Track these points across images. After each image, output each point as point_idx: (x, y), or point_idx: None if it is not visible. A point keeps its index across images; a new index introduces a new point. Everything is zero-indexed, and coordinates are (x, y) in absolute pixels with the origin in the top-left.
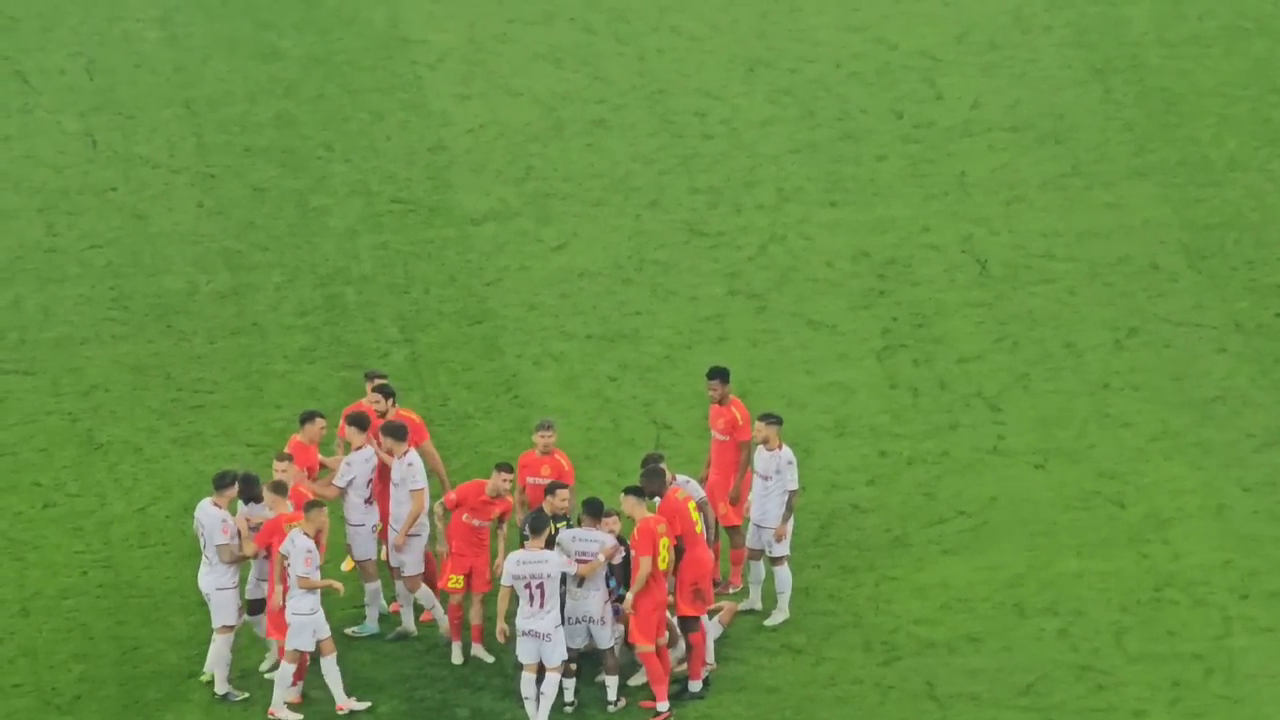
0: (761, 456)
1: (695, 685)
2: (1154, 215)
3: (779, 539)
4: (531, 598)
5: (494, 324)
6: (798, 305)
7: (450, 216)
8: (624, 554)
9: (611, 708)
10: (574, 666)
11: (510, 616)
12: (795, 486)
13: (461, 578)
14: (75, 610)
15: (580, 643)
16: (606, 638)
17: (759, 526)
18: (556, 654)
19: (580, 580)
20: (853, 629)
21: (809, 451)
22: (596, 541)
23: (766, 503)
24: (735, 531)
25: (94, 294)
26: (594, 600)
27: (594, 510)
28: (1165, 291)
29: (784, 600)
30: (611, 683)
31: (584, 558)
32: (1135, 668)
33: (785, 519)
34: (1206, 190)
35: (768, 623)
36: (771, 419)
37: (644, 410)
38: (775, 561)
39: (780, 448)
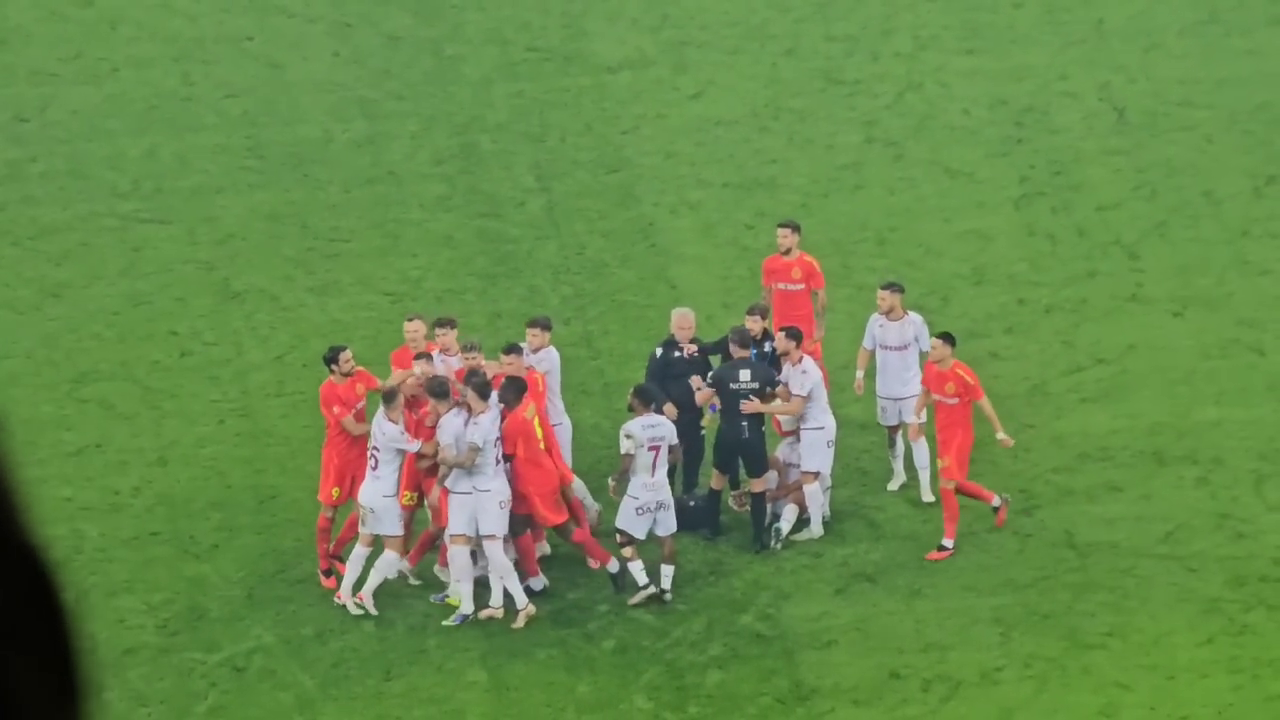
0: (889, 328)
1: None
2: None
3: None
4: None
5: (630, 172)
6: (935, 153)
7: (586, 65)
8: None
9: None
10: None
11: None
12: (928, 346)
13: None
14: (212, 459)
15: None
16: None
17: (896, 400)
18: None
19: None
20: (991, 477)
21: (946, 299)
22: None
23: (905, 373)
24: None
25: (230, 143)
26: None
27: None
28: None
29: (926, 475)
30: (666, 572)
31: (656, 443)
32: (1275, 516)
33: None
34: None
35: (925, 499)
36: (895, 287)
37: None
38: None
39: (906, 314)
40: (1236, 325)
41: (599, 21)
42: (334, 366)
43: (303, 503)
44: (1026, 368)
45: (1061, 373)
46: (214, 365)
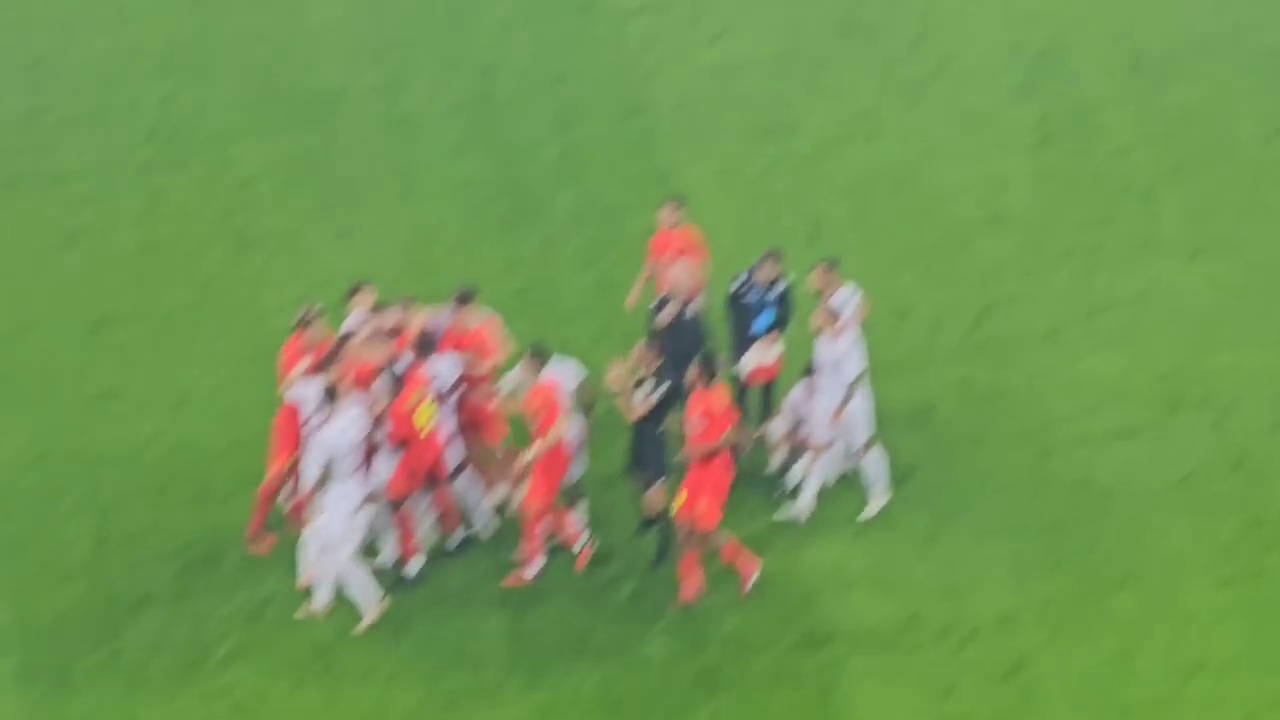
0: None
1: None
2: None
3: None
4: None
5: (648, 118)
6: (952, 98)
7: (604, 10)
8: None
9: None
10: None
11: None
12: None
13: None
14: (229, 405)
15: None
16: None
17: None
18: None
19: None
20: (1008, 423)
21: (963, 244)
22: None
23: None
24: None
25: (247, 89)
26: None
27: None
28: None
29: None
30: None
31: None
32: None
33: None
34: None
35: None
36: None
37: (798, 204)
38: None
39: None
40: (1250, 270)
41: None
42: (305, 328)
43: None
44: (1042, 312)
45: (1077, 317)
46: (231, 312)
